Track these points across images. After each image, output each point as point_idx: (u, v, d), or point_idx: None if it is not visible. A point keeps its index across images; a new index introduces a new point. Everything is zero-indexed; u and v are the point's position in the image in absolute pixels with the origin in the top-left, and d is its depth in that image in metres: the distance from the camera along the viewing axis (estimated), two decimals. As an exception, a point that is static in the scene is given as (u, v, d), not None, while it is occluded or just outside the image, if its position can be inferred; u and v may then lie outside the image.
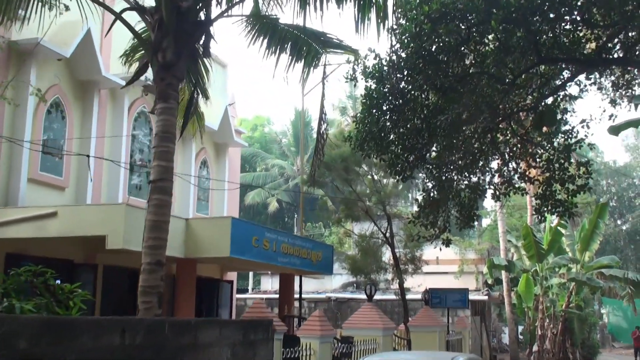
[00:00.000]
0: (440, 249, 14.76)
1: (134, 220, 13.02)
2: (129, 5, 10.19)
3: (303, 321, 16.41)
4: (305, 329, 11.95)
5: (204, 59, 10.55)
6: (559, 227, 25.82)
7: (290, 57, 10.26)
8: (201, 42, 9.85)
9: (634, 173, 60.04)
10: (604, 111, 15.17)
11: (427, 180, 14.68)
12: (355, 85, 13.31)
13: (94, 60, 16.29)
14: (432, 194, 14.69)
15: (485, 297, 28.31)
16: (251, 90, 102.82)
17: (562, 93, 14.58)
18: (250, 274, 35.69)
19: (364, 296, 26.66)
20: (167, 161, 9.39)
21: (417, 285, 25.41)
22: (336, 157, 18.53)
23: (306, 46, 10.20)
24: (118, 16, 9.98)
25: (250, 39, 10.59)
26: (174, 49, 9.31)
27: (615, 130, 8.38)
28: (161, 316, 8.85)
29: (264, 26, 10.64)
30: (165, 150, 9.39)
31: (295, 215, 51.00)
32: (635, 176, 60.08)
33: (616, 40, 13.09)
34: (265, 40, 10.44)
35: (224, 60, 22.47)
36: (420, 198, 14.62)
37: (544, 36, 13.47)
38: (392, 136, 13.80)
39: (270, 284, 33.58)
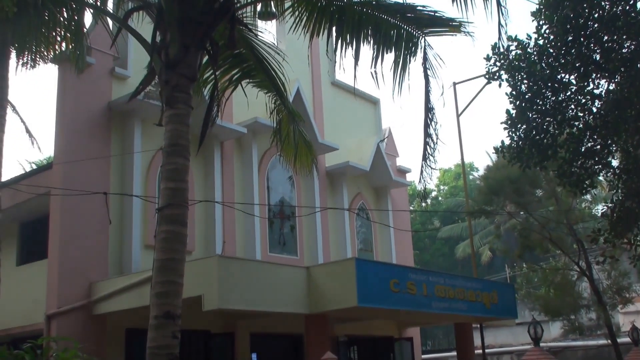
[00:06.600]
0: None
1: (233, 274, 11.70)
2: (133, 6, 8.80)
3: None
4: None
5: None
6: None
7: (375, 47, 8.02)
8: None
9: None
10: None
11: (615, 190, 11.81)
12: (500, 86, 11.12)
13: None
14: (623, 205, 11.73)
15: None
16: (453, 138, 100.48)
17: None
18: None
19: (583, 342, 22.99)
20: (177, 181, 7.42)
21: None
22: (503, 180, 15.91)
23: (394, 29, 7.98)
24: (123, 23, 8.53)
25: (309, 27, 8.40)
26: (179, 42, 7.66)
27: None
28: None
29: (326, 10, 8.22)
30: (173, 169, 7.43)
31: (515, 264, 46.91)
32: None
33: None
34: (334, 28, 8.07)
35: (374, 96, 20.73)
36: (607, 210, 11.77)
37: None
38: (559, 139, 11.30)
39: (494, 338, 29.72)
